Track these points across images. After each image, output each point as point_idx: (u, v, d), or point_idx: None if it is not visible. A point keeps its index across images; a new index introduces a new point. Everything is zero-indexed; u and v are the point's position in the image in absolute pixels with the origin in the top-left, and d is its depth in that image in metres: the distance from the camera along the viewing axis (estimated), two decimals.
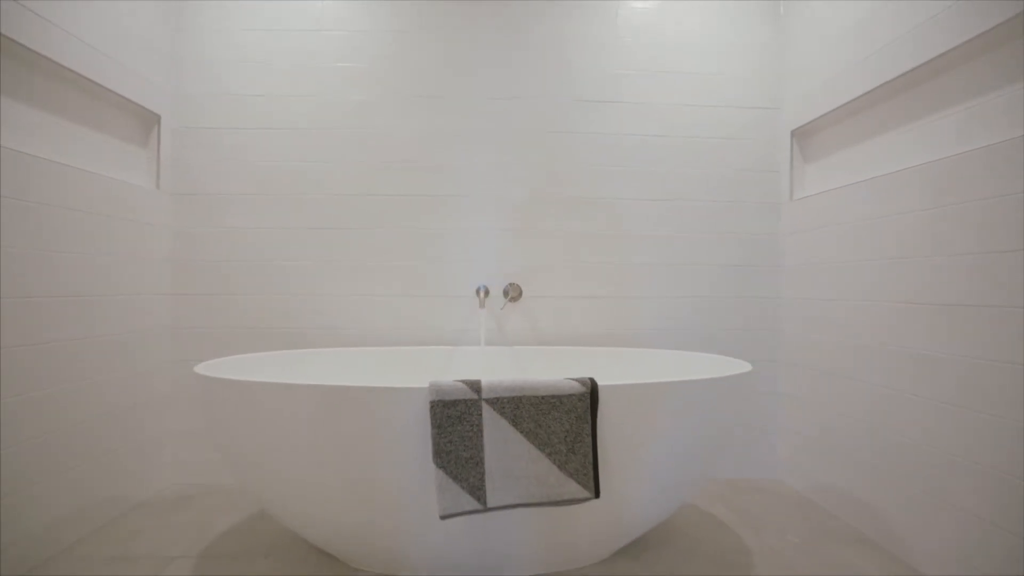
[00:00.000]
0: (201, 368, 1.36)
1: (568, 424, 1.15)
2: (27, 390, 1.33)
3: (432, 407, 1.12)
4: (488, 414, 1.14)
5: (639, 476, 1.25)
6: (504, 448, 1.13)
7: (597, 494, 1.16)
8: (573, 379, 1.18)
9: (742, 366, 1.46)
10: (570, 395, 1.15)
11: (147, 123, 1.87)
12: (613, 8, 2.03)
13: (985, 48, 1.25)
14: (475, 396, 1.14)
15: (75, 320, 1.49)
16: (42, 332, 1.38)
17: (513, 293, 1.99)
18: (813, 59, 1.87)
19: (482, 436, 1.13)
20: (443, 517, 1.11)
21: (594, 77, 2.03)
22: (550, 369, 1.90)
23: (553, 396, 1.15)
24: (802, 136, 1.99)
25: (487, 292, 1.98)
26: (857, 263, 1.63)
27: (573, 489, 1.15)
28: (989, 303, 1.19)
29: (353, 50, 1.98)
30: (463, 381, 1.15)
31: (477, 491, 1.12)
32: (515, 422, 1.14)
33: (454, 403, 1.13)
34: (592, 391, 1.16)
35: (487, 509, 1.13)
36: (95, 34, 1.57)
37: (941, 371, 1.31)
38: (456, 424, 1.12)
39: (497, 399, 1.14)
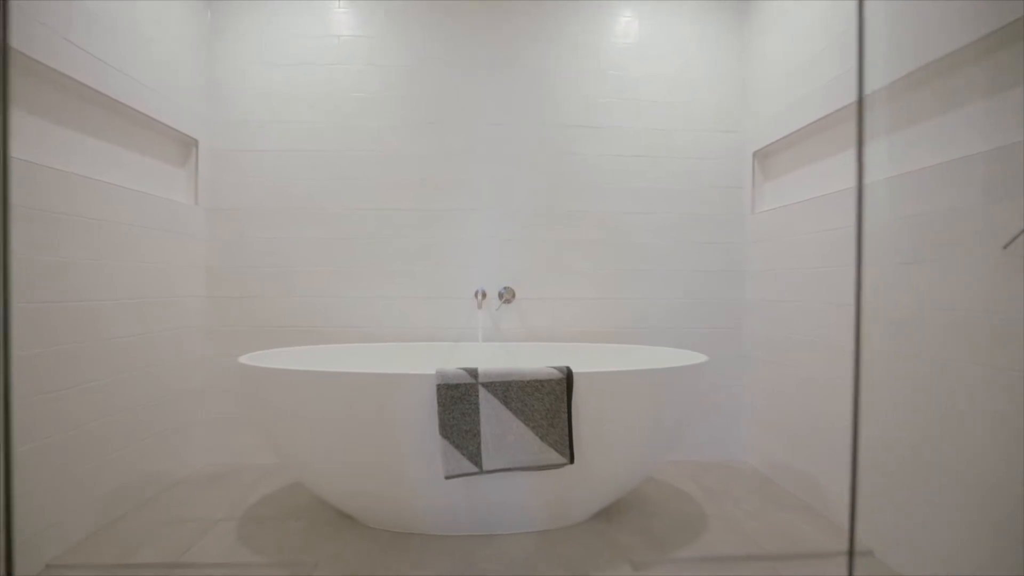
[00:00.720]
0: (244, 359, 1.62)
1: (549, 403, 1.41)
2: (84, 381, 1.58)
3: (438, 389, 1.38)
4: (484, 395, 1.40)
5: (608, 447, 1.51)
6: (496, 422, 1.39)
7: (572, 460, 1.42)
8: (553, 367, 1.44)
9: (699, 358, 1.72)
10: (550, 380, 1.41)
11: (186, 147, 2.13)
12: (595, 44, 2.30)
13: (907, 88, 1.51)
14: (473, 380, 1.40)
15: (126, 320, 1.75)
16: (99, 330, 1.64)
17: (507, 295, 2.25)
18: (771, 90, 2.13)
19: (479, 413, 1.39)
20: (447, 477, 1.38)
21: (579, 105, 2.29)
22: (537, 360, 2.16)
23: (536, 381, 1.41)
24: (762, 157, 2.25)
25: (484, 295, 2.24)
26: (803, 269, 1.89)
27: (553, 456, 1.41)
28: (900, 306, 1.44)
29: (367, 82, 2.24)
30: (463, 368, 1.41)
31: (475, 457, 1.38)
32: (505, 401, 1.40)
33: (456, 386, 1.39)
34: (568, 377, 1.42)
35: (483, 471, 1.39)
36: (144, 71, 1.83)
37: (882, 366, 1.57)
38: (458, 403, 1.38)
39: (491, 383, 1.40)
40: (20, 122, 1.38)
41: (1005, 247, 1.12)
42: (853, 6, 1.68)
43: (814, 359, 1.81)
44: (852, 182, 1.68)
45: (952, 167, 1.29)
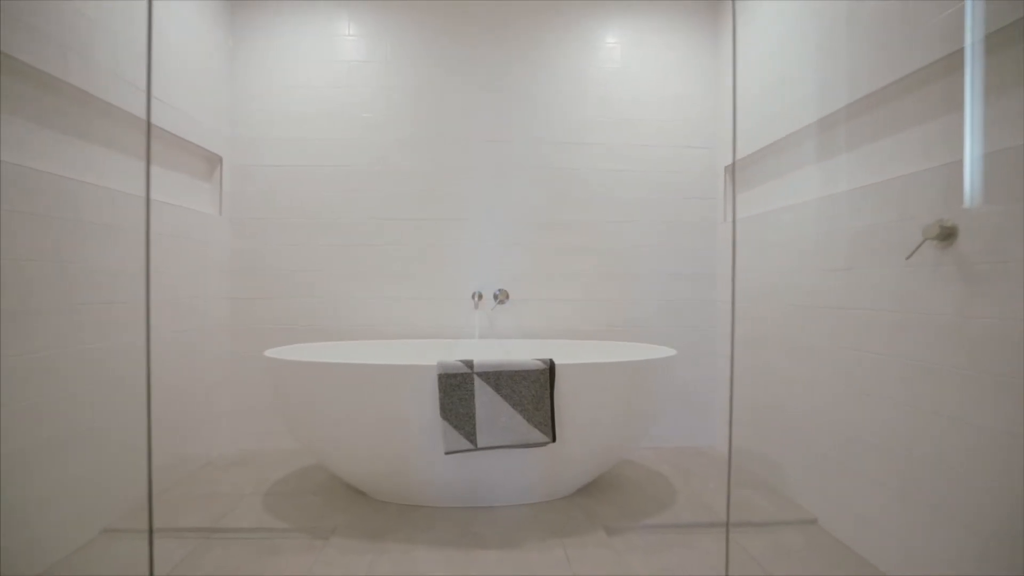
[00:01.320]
0: (269, 353, 1.85)
1: (534, 390, 1.64)
2: (130, 375, 1.81)
3: (439, 378, 1.61)
4: (478, 383, 1.63)
5: (586, 429, 1.74)
6: (489, 406, 1.62)
7: (554, 439, 1.65)
8: (538, 359, 1.67)
9: (667, 352, 1.94)
10: (535, 370, 1.64)
11: (212, 163, 2.36)
12: (582, 68, 2.53)
13: (860, 111, 1.73)
14: (469, 371, 1.63)
15: (162, 318, 1.98)
16: (129, 334, 1.87)
17: (502, 297, 2.48)
18: (740, 111, 2.35)
19: (474, 398, 1.62)
20: (447, 453, 1.61)
21: (567, 124, 2.52)
22: (527, 355, 2.38)
23: (524, 370, 1.64)
24: (732, 171, 2.48)
25: (481, 296, 2.47)
26: (768, 272, 2.11)
27: (537, 435, 1.64)
28: (857, 307, 1.67)
29: (374, 103, 2.47)
30: (461, 360, 1.64)
31: (471, 436, 1.61)
32: (497, 388, 1.63)
33: (455, 375, 1.62)
34: (551, 368, 1.65)
35: (477, 448, 1.62)
36: (176, 97, 2.06)
37: (825, 359, 1.79)
38: (456, 390, 1.61)
39: (484, 372, 1.63)
40: (80, 149, 1.61)
41: (908, 258, 1.35)
42: (800, 46, 1.91)
43: (776, 354, 2.04)
44: (804, 198, 1.91)
45: (870, 191, 1.52)
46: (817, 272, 1.78)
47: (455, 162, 2.50)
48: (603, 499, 1.90)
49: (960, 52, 1.26)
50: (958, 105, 1.28)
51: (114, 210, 1.71)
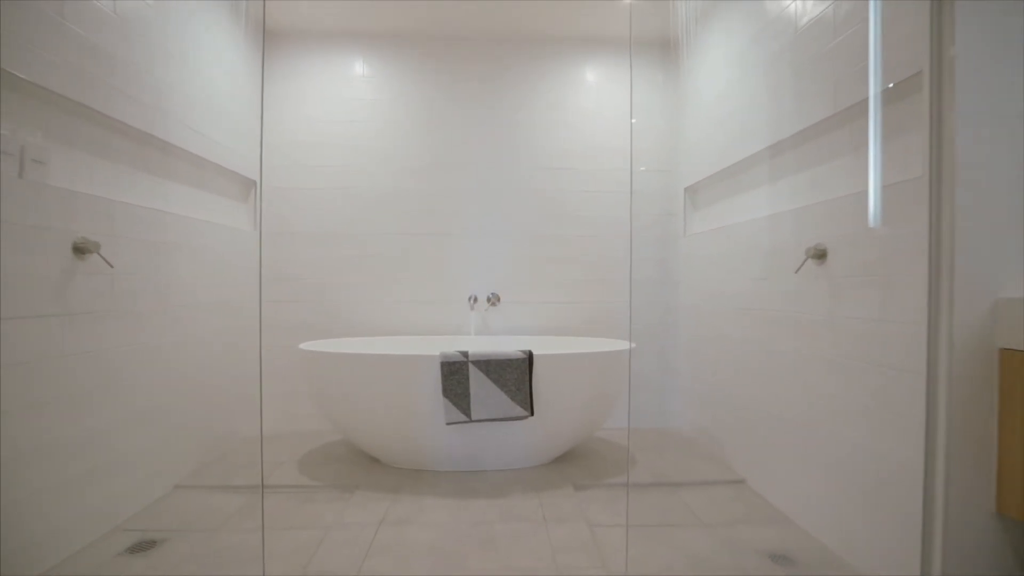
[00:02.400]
0: (304, 345, 2.28)
1: (517, 375, 2.06)
2: (184, 367, 2.23)
3: (441, 365, 2.04)
4: (472, 369, 2.05)
5: (560, 407, 2.16)
6: (481, 387, 2.05)
7: (532, 413, 2.07)
8: (520, 350, 2.09)
9: (627, 345, 2.37)
10: (517, 359, 2.07)
11: (247, 187, 2.78)
12: (562, 104, 2.95)
13: (789, 146, 2.15)
14: (465, 359, 2.05)
15: (209, 320, 2.41)
16: (196, 329, 2.29)
17: (493, 299, 2.90)
18: (698, 139, 2.77)
19: (469, 381, 2.04)
20: (448, 424, 2.03)
21: (550, 151, 2.95)
22: (512, 347, 2.80)
23: (508, 359, 2.06)
24: (691, 192, 2.90)
25: (476, 299, 2.90)
26: (718, 279, 2.54)
27: (519, 410, 2.06)
28: (771, 309, 2.09)
29: (385, 134, 2.90)
30: (459, 351, 2.06)
31: (466, 410, 2.04)
32: (487, 373, 2.05)
33: (453, 363, 2.04)
34: (530, 357, 2.08)
35: (472, 420, 2.04)
36: (217, 131, 2.48)
37: (752, 352, 2.22)
38: (455, 374, 2.04)
39: (477, 360, 2.05)
40: (145, 180, 2.03)
41: (796, 271, 1.77)
42: (748, 82, 2.33)
43: (724, 349, 2.46)
44: (737, 220, 2.33)
45: (777, 218, 1.94)
46: (746, 281, 2.20)
47: (454, 184, 2.92)
48: (575, 465, 2.32)
49: (839, 110, 1.69)
50: (838, 153, 1.70)
51: (184, 231, 2.13)
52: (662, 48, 2.99)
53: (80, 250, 1.56)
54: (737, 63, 2.34)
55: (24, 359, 1.38)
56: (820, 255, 1.68)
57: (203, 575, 1.47)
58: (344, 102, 2.90)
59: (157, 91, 1.98)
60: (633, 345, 2.36)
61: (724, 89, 2.47)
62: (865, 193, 1.52)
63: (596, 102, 2.97)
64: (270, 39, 2.87)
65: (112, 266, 1.69)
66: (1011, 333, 1.20)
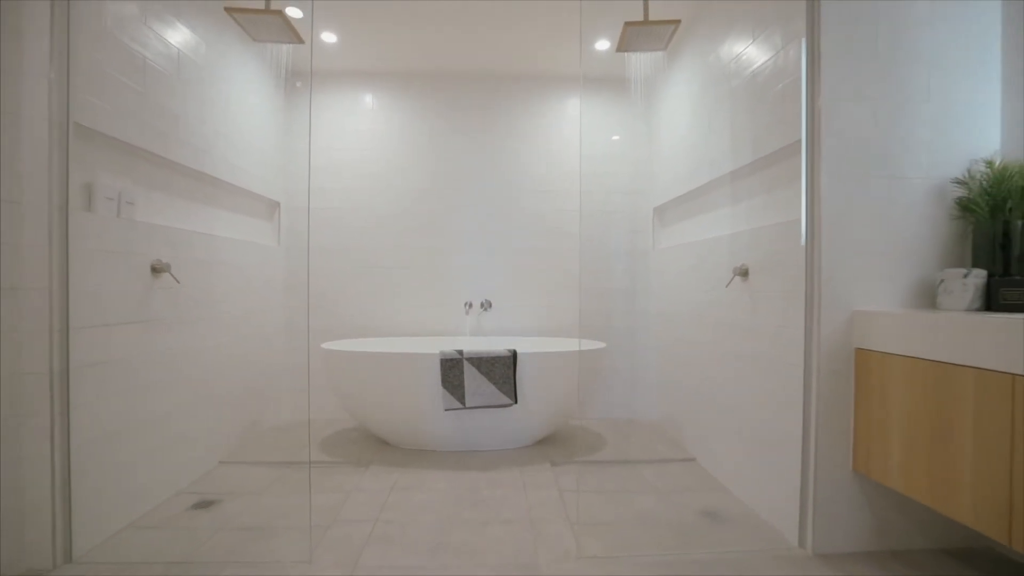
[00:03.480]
0: (324, 345, 2.70)
1: (503, 369, 2.48)
2: (225, 365, 2.66)
3: (441, 361, 2.46)
4: (466, 364, 2.47)
5: (540, 397, 2.58)
6: (473, 379, 2.47)
7: (516, 402, 2.50)
8: (506, 348, 2.51)
9: (599, 345, 2.79)
10: (504, 356, 2.49)
11: (272, 207, 3.20)
12: (546, 133, 3.38)
13: (727, 181, 2.58)
14: (460, 356, 2.47)
15: (241, 324, 2.83)
16: (228, 334, 2.71)
17: (486, 305, 3.32)
18: (666, 167, 3.19)
19: (463, 374, 2.46)
20: (446, 410, 2.45)
21: (537, 175, 3.37)
22: (500, 346, 3.22)
23: (496, 356, 2.49)
24: (659, 211, 3.32)
25: (471, 304, 3.32)
26: (679, 289, 2.96)
27: (505, 399, 2.48)
28: (713, 316, 2.51)
29: (391, 161, 3.32)
30: (455, 349, 2.49)
31: (461, 399, 2.46)
32: (478, 368, 2.47)
33: (451, 359, 2.46)
34: (514, 355, 2.50)
35: (466, 407, 2.46)
36: (249, 162, 2.90)
37: (703, 352, 2.64)
38: (452, 369, 2.46)
39: (470, 357, 2.47)
40: (197, 209, 2.45)
41: (727, 286, 2.19)
42: (700, 122, 2.75)
43: (683, 349, 2.88)
44: (691, 239, 2.76)
45: (717, 241, 2.37)
46: (699, 291, 2.62)
47: (451, 204, 3.34)
48: (553, 446, 2.75)
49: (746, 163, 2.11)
50: (756, 192, 2.13)
51: (225, 249, 2.55)
52: (636, 85, 3.41)
53: (156, 270, 1.98)
54: (692, 104, 2.76)
55: (116, 357, 1.80)
56: (744, 273, 2.10)
57: (259, 525, 1.89)
58: (355, 132, 3.32)
59: (205, 136, 2.40)
60: (603, 345, 2.79)
61: (684, 124, 2.89)
62: (772, 227, 1.94)
63: (576, 132, 3.39)
64: (279, 58, 3.29)
65: (179, 282, 2.11)
66: (863, 337, 1.62)
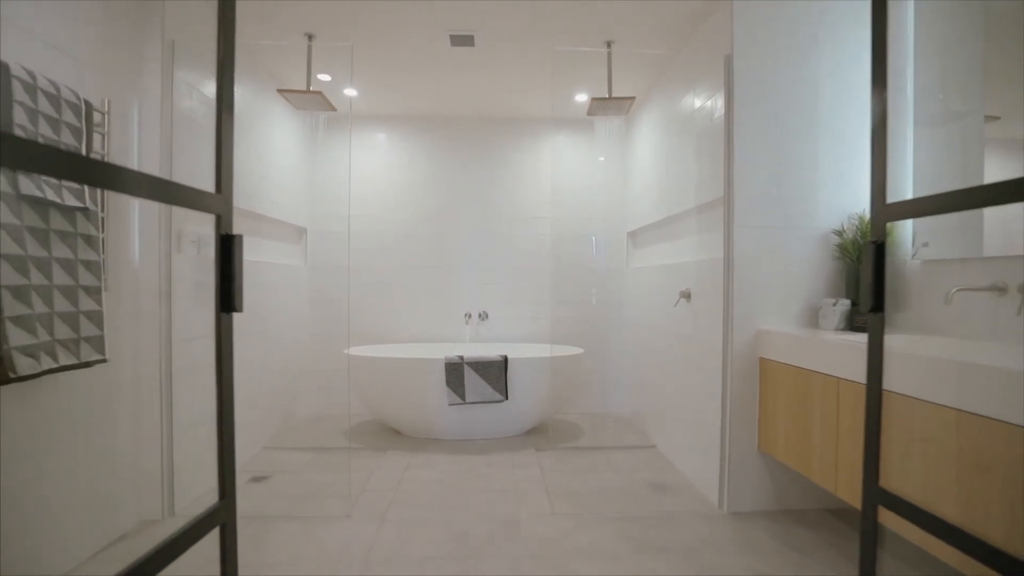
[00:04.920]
0: (348, 351, 3.24)
1: (497, 372, 3.02)
2: (261, 370, 3.19)
3: (445, 365, 3.00)
4: (466, 367, 3.01)
5: (527, 395, 3.12)
6: (472, 380, 3.01)
7: (507, 398, 3.04)
8: (499, 354, 3.05)
9: (577, 351, 3.33)
10: (497, 360, 3.03)
11: (299, 233, 3.74)
12: (534, 167, 3.91)
13: (679, 219, 3.11)
14: (461, 361, 3.01)
15: (274, 333, 3.37)
16: (268, 343, 3.25)
17: (483, 316, 3.86)
18: (637, 198, 3.72)
19: (464, 375, 3.00)
20: (450, 405, 3.00)
21: (527, 204, 3.91)
22: (494, 352, 3.76)
23: (491, 361, 3.03)
24: (632, 235, 3.86)
25: (470, 315, 3.86)
26: (646, 305, 3.49)
27: (498, 396, 3.02)
28: (668, 328, 3.04)
29: (401, 191, 3.86)
30: (457, 355, 3.03)
31: (462, 396, 3.00)
32: (476, 370, 3.01)
33: (453, 363, 3.00)
34: (505, 359, 3.04)
35: (466, 403, 3.00)
36: (283, 194, 3.43)
37: (663, 358, 3.17)
38: (454, 371, 3.00)
39: (470, 361, 3.01)
40: (249, 241, 2.99)
41: (675, 305, 2.73)
42: (659, 164, 3.28)
43: (650, 355, 3.42)
44: (654, 264, 3.30)
45: (670, 268, 2.90)
46: (659, 307, 3.16)
47: (454, 229, 3.88)
48: (539, 436, 3.29)
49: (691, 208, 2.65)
50: (696, 231, 2.66)
51: (269, 272, 3.09)
52: (608, 134, 3.95)
53: None
54: (655, 147, 3.29)
55: (197, 364, 2.34)
56: (688, 296, 2.64)
57: (305, 494, 2.43)
58: (370, 166, 3.86)
59: (254, 182, 2.94)
60: (581, 351, 3.32)
61: (649, 163, 3.43)
62: (706, 261, 2.48)
63: (562, 167, 3.93)
64: (316, 122, 3.83)
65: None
66: (763, 349, 2.16)
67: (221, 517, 0.94)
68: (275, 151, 3.24)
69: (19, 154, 0.52)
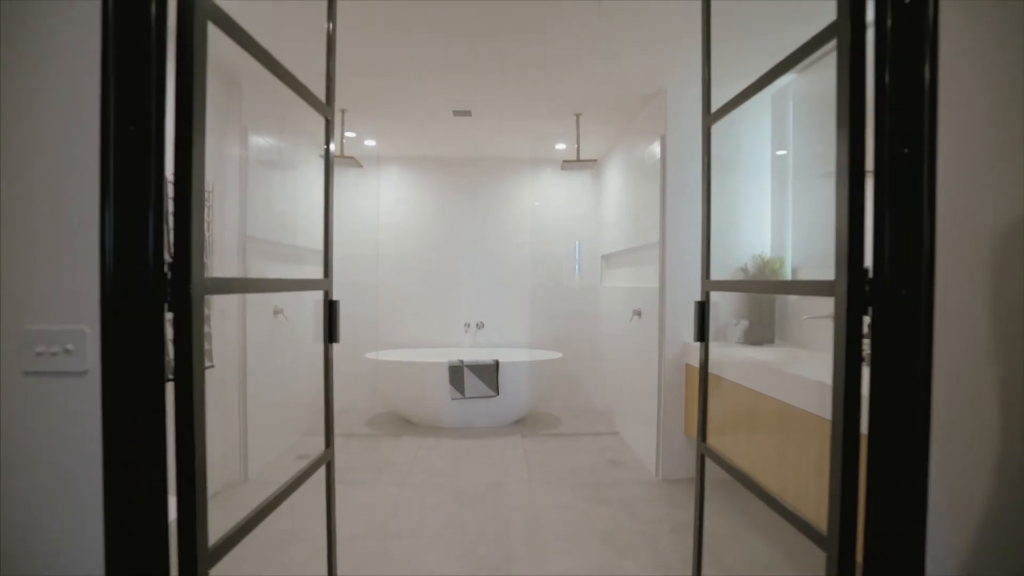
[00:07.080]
0: (368, 355, 3.97)
1: (490, 372, 3.75)
2: (301, 371, 3.92)
3: (449, 367, 3.73)
4: (466, 369, 3.74)
5: (514, 391, 3.85)
6: (470, 379, 3.73)
7: (498, 393, 3.77)
8: (493, 358, 3.78)
9: (557, 355, 4.05)
10: (491, 364, 3.76)
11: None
12: (521, 198, 4.64)
13: (641, 249, 3.82)
14: (461, 364, 3.74)
15: (301, 340, 4.09)
16: (306, 349, 3.97)
17: (480, 325, 4.58)
18: (609, 224, 4.44)
19: (464, 375, 3.73)
20: (452, 400, 3.73)
21: (517, 231, 4.63)
22: (489, 356, 4.49)
23: (486, 363, 3.75)
24: (606, 259, 4.58)
25: (469, 325, 4.59)
26: (615, 318, 4.21)
27: (492, 392, 3.75)
28: (629, 338, 3.76)
29: (408, 220, 4.59)
30: (458, 359, 3.75)
31: (463, 392, 3.73)
32: (473, 371, 3.74)
33: (455, 366, 3.73)
34: (497, 363, 3.77)
35: (465, 398, 3.73)
36: (316, 225, 4.15)
37: (628, 362, 3.89)
38: (456, 373, 3.73)
39: (469, 364, 3.74)
40: (288, 268, 3.71)
41: (629, 321, 3.46)
42: (623, 200, 4.00)
43: (617, 360, 4.14)
44: (626, 285, 4.03)
45: (627, 290, 3.63)
46: (622, 322, 3.89)
47: (455, 252, 4.61)
48: (525, 425, 4.02)
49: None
50: (649, 263, 3.38)
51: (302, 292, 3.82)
52: (593, 171, 4.67)
53: (276, 312, 3.24)
54: (621, 185, 4.02)
55: (253, 371, 3.06)
56: (639, 314, 3.37)
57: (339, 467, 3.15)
58: (384, 199, 4.58)
59: (296, 220, 3.67)
60: (560, 355, 4.05)
61: (616, 198, 4.15)
62: (651, 288, 3.20)
63: (549, 199, 4.66)
64: (336, 162, 4.55)
65: (288, 320, 3.37)
66: (687, 358, 2.89)
67: (327, 457, 1.65)
68: (313, 191, 3.95)
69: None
